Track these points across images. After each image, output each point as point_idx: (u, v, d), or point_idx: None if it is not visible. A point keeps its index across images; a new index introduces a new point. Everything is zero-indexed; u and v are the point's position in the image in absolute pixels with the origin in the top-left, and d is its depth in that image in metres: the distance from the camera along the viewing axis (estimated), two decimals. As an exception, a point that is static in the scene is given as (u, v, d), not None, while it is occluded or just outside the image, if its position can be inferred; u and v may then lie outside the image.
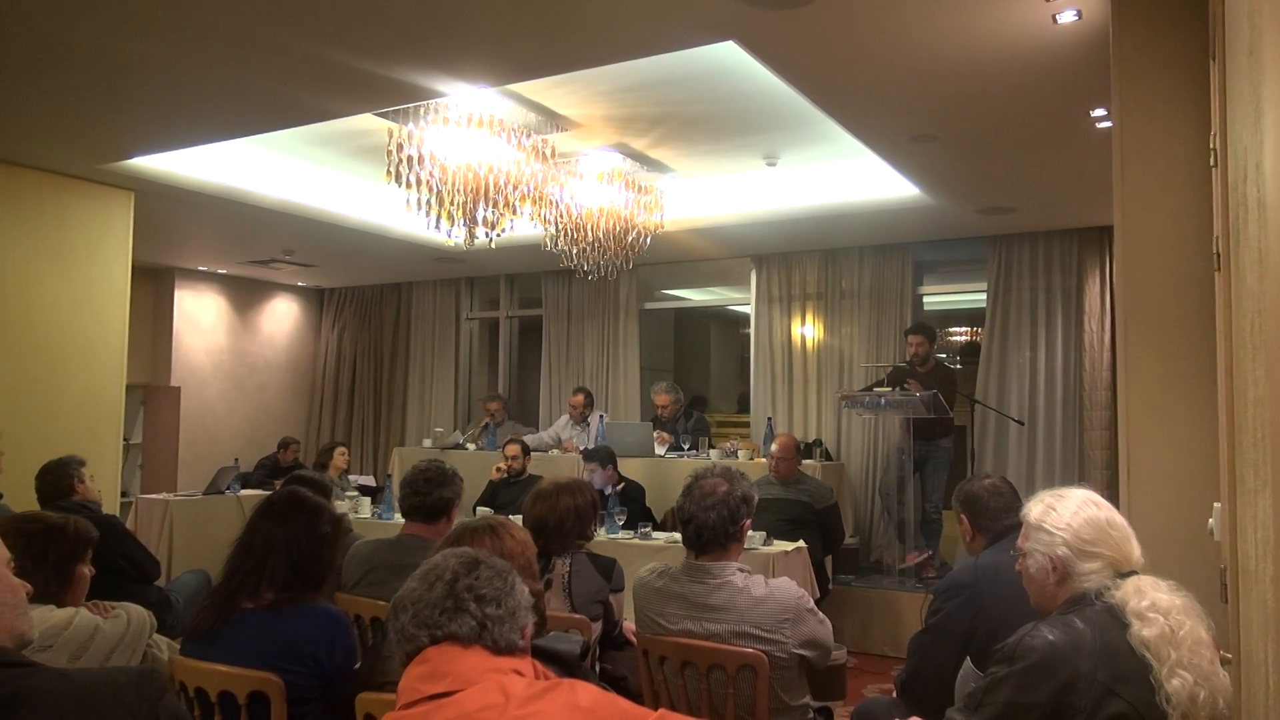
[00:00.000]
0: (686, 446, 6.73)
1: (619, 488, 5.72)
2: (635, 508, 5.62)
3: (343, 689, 2.20)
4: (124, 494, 7.09)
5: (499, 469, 6.26)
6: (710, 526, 2.52)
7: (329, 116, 4.58)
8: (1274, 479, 1.16)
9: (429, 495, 3.14)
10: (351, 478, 7.41)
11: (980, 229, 6.75)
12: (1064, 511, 1.92)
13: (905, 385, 5.83)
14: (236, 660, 2.20)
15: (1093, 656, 1.71)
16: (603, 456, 5.79)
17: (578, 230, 5.58)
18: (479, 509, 5.81)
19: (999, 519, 2.62)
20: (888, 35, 3.49)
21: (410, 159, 4.60)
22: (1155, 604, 1.75)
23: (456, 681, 1.38)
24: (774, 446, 5.61)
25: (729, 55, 3.83)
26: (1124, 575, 1.85)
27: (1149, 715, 1.68)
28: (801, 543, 4.87)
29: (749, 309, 7.94)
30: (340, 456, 7.25)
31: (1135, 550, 1.90)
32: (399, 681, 1.47)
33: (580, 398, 7.36)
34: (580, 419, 7.31)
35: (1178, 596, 1.78)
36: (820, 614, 2.57)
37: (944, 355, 8.90)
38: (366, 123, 5.01)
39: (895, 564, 6.11)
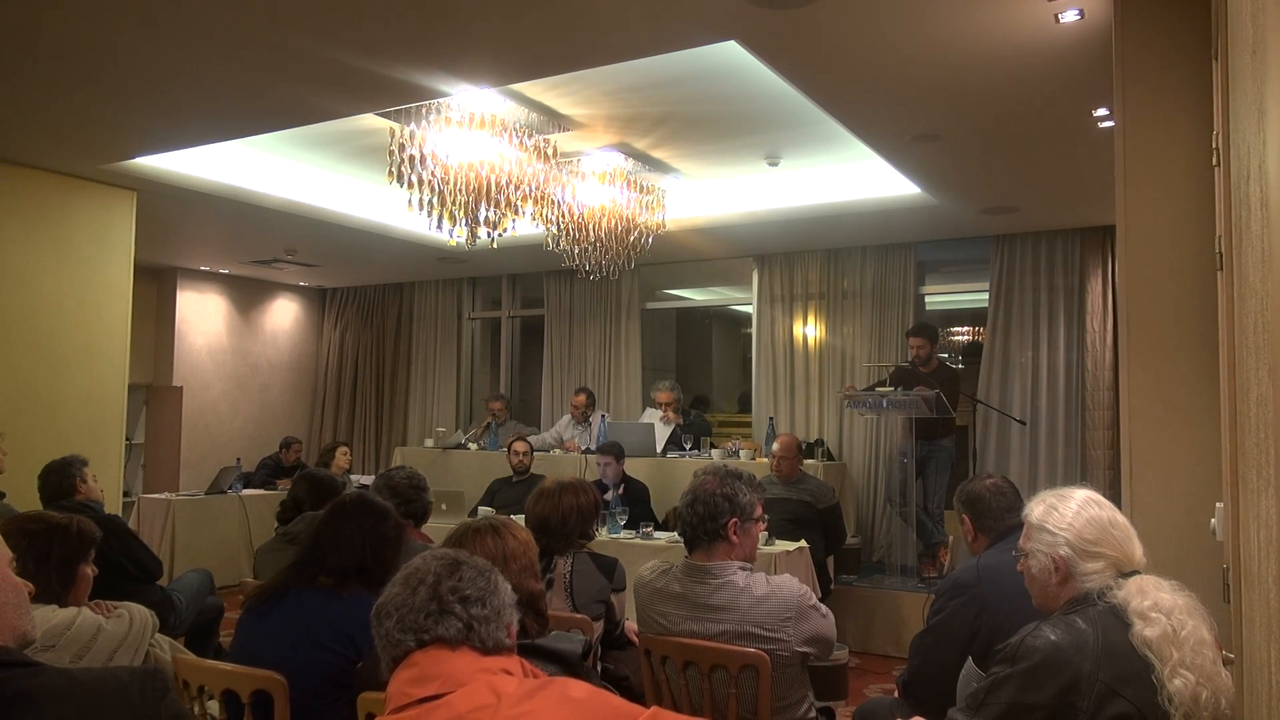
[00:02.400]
0: (688, 446, 6.74)
1: (619, 489, 5.74)
2: (640, 509, 5.64)
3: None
4: (126, 494, 7.10)
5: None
6: (689, 523, 2.53)
7: (331, 116, 4.58)
8: (1277, 479, 1.16)
9: (417, 502, 3.30)
10: (353, 477, 7.42)
11: (983, 229, 6.75)
12: (1066, 511, 1.92)
13: (910, 388, 5.79)
14: (286, 632, 2.29)
15: (1095, 657, 1.71)
16: (616, 451, 5.85)
17: (580, 230, 5.58)
18: (481, 509, 5.81)
19: (1001, 519, 2.62)
20: (890, 35, 3.49)
21: (412, 159, 4.61)
22: (1158, 604, 1.75)
23: (446, 683, 1.38)
24: (775, 445, 5.61)
25: (731, 55, 3.83)
26: (1126, 575, 1.85)
27: (1151, 716, 1.68)
28: (804, 542, 4.87)
29: (751, 309, 7.94)
30: (342, 456, 7.27)
31: (1138, 550, 1.90)
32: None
33: (582, 398, 7.37)
34: (582, 419, 7.32)
35: (1180, 596, 1.78)
36: (823, 608, 2.56)
37: (946, 355, 8.90)
38: (368, 123, 5.01)
39: (928, 570, 6.06)
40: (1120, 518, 1.93)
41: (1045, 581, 1.92)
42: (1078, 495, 1.96)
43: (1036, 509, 1.97)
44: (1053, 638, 1.74)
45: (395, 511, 2.62)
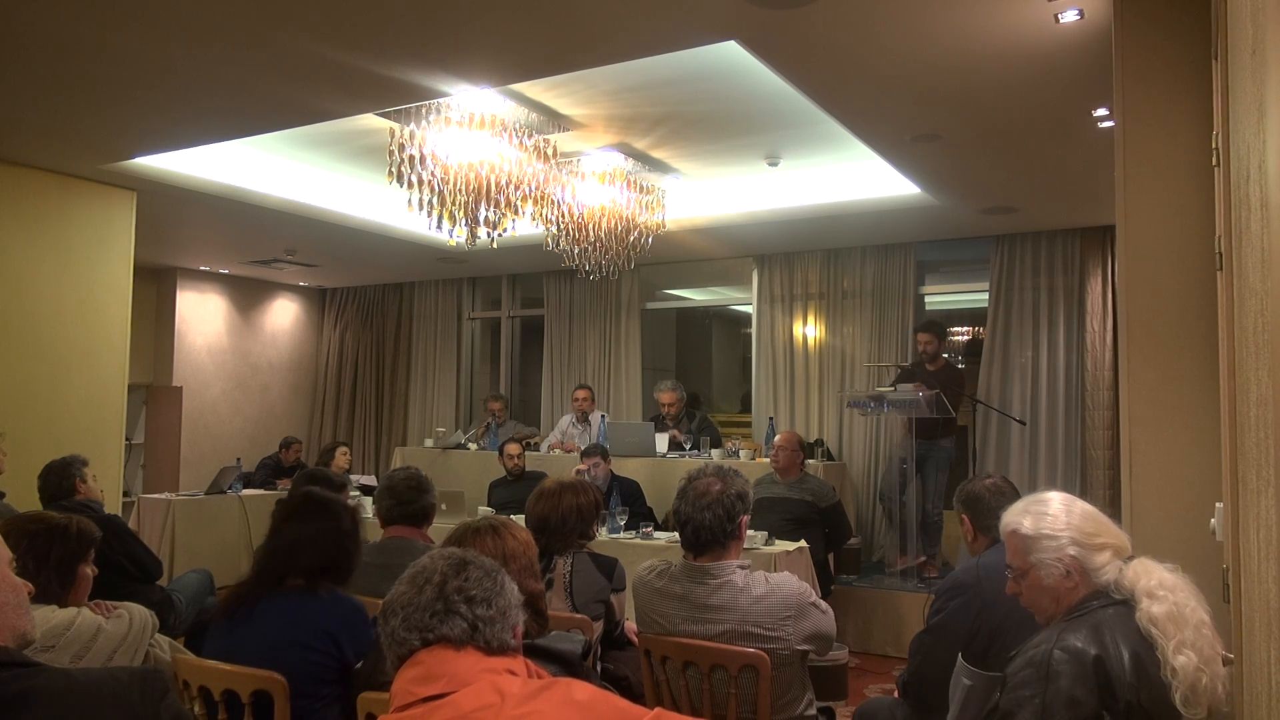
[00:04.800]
0: (688, 447, 6.75)
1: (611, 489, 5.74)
2: (634, 505, 5.64)
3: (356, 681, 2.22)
4: (126, 494, 7.10)
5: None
6: (707, 527, 2.52)
7: (331, 116, 4.58)
8: (1276, 479, 1.16)
9: (415, 503, 3.23)
10: (353, 477, 7.42)
11: (982, 228, 6.75)
12: (1057, 513, 1.91)
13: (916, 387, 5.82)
14: (263, 638, 2.25)
15: (1119, 660, 1.71)
16: (602, 452, 5.84)
17: (579, 230, 5.58)
18: (481, 509, 5.81)
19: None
20: (890, 35, 3.49)
21: (412, 159, 4.60)
22: (1162, 581, 1.77)
23: (451, 683, 1.38)
24: (777, 438, 5.64)
25: (731, 55, 3.83)
26: (1126, 561, 1.87)
27: (1159, 713, 1.68)
28: (804, 542, 4.86)
29: (751, 309, 7.94)
30: (342, 456, 7.26)
31: (1126, 536, 1.93)
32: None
33: (585, 393, 7.37)
34: (583, 417, 7.32)
35: (1178, 577, 1.80)
36: (823, 604, 2.57)
37: (947, 355, 8.89)
38: (368, 123, 5.01)
39: (894, 566, 6.13)
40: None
41: (1058, 588, 1.88)
42: (1055, 496, 1.95)
43: (1023, 521, 1.94)
44: (1079, 645, 1.73)
45: (342, 502, 2.60)
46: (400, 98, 4.25)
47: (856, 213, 6.23)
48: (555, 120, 5.00)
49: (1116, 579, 1.83)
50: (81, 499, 4.01)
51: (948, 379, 6.03)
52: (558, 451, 7.07)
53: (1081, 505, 1.92)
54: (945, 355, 6.61)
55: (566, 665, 1.93)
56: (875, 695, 4.41)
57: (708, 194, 6.42)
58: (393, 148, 4.64)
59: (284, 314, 9.84)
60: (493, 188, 4.74)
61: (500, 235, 5.01)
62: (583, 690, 1.37)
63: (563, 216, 5.45)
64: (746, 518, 2.59)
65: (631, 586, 2.76)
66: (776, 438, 5.66)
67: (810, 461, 6.16)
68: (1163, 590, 1.75)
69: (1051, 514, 1.91)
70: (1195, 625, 1.71)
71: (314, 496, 2.55)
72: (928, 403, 5.55)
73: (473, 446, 7.55)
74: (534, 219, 5.26)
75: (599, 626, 2.97)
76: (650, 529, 5.14)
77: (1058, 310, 6.76)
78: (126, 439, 6.58)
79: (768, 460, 5.82)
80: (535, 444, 7.34)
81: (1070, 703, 1.69)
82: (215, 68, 3.89)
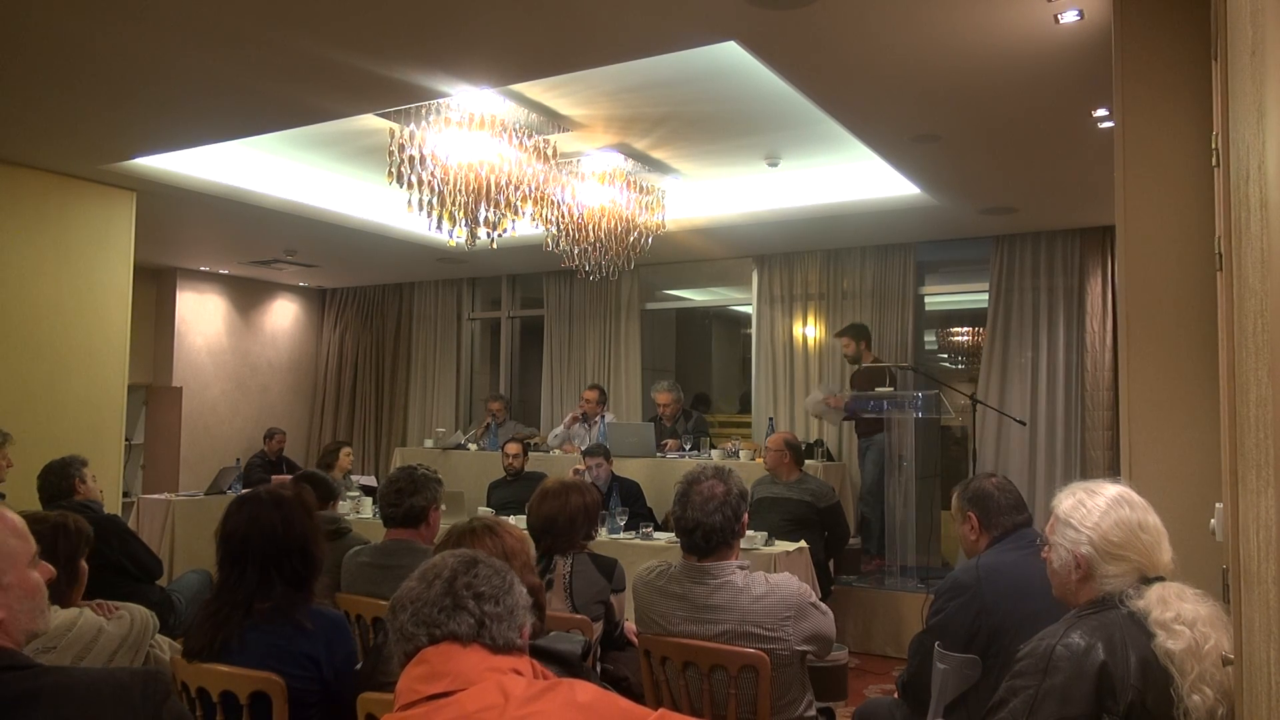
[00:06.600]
0: (688, 447, 6.75)
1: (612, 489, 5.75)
2: (635, 506, 5.64)
3: (343, 694, 2.20)
4: (126, 494, 7.09)
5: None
6: (717, 529, 2.52)
7: (331, 117, 4.58)
8: (1276, 479, 1.16)
9: (400, 505, 3.21)
10: (354, 478, 7.42)
11: (982, 229, 6.75)
12: (1094, 509, 1.87)
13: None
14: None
15: (1124, 661, 1.70)
16: (604, 452, 5.86)
17: (579, 230, 5.58)
18: (481, 510, 5.81)
19: (1009, 516, 2.61)
20: (890, 35, 3.50)
21: (412, 159, 4.60)
22: (1180, 615, 1.72)
23: (456, 681, 1.38)
24: (767, 439, 5.67)
25: (731, 55, 3.83)
26: (1149, 581, 1.81)
27: (1163, 716, 1.67)
28: (803, 543, 4.86)
29: (751, 309, 7.94)
30: (345, 456, 7.23)
31: (1165, 555, 1.85)
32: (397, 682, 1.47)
33: (593, 394, 7.37)
34: (582, 418, 7.31)
35: (1203, 606, 1.74)
36: (823, 606, 2.58)
37: (945, 355, 8.95)
38: (368, 123, 5.01)
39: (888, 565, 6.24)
40: (1151, 519, 1.87)
41: (1065, 577, 1.89)
42: (1108, 492, 1.89)
43: (1065, 501, 1.92)
44: (1082, 643, 1.72)
45: (280, 495, 2.40)
46: (400, 98, 4.25)
47: (856, 213, 6.24)
48: (555, 121, 5.00)
49: (1125, 593, 1.79)
50: (81, 499, 4.01)
51: (869, 376, 6.46)
52: (557, 452, 7.07)
53: (1122, 513, 1.85)
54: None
55: (566, 665, 1.93)
56: (875, 695, 4.41)
57: (707, 194, 6.42)
58: (393, 148, 4.64)
59: (284, 314, 9.83)
60: (492, 188, 4.74)
61: (500, 236, 5.01)
62: (586, 691, 1.37)
63: (563, 217, 5.45)
64: (747, 516, 2.62)
65: (631, 587, 2.76)
66: (768, 439, 5.70)
67: (810, 462, 6.16)
68: (1180, 625, 1.70)
69: (1088, 508, 1.87)
70: (1214, 660, 1.67)
71: (249, 501, 2.38)
72: (924, 404, 5.61)
73: (472, 447, 7.55)
74: (534, 219, 5.26)
75: (599, 627, 2.97)
76: (650, 529, 5.14)
77: (1057, 310, 6.76)
78: (126, 439, 6.57)
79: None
80: (535, 444, 7.34)
81: (1062, 700, 1.69)
82: (215, 68, 3.89)
